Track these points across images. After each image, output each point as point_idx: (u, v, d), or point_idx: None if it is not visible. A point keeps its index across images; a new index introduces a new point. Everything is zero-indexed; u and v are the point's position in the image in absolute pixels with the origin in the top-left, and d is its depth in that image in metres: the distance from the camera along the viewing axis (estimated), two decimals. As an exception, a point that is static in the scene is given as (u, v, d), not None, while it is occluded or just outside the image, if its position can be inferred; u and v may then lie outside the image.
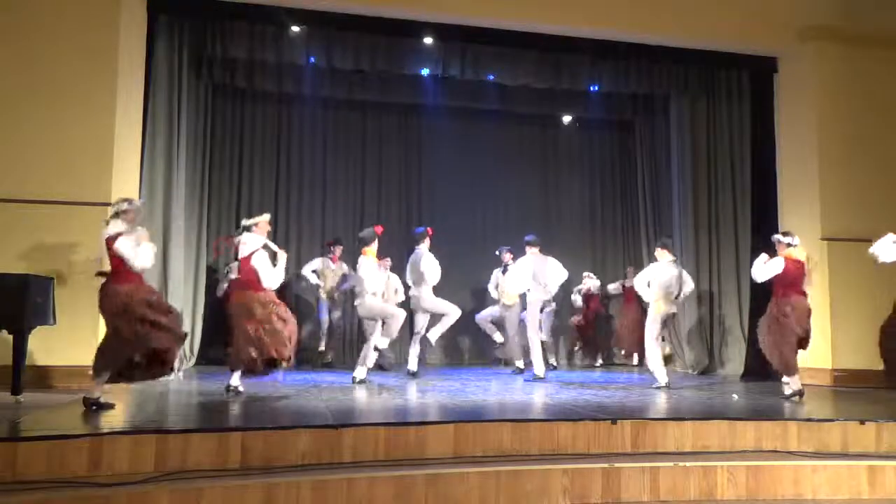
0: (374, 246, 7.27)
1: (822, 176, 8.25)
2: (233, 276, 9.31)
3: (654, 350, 7.28)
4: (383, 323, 7.29)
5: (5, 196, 6.46)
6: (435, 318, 7.95)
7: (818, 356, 7.93)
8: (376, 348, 7.26)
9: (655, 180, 10.64)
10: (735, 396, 6.48)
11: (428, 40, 8.31)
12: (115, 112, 6.79)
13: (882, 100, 8.39)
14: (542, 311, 8.36)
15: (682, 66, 9.04)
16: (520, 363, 8.76)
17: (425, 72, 8.92)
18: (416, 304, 7.93)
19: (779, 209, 8.77)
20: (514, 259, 8.84)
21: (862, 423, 5.03)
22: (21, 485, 3.66)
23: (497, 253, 9.30)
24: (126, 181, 7.02)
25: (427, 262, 7.82)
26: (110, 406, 5.10)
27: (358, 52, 8.35)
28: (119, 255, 5.10)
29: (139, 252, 5.14)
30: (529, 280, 7.93)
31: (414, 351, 8.06)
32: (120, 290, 5.03)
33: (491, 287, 9.42)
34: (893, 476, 4.63)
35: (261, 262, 5.95)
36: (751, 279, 8.81)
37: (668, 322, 7.64)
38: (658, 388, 7.04)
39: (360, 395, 6.28)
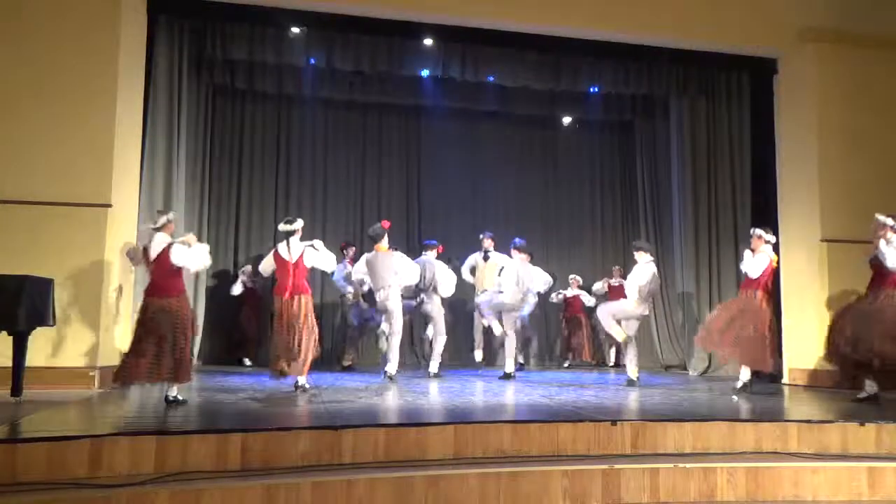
0: (385, 241, 7.47)
1: (821, 177, 8.25)
2: (244, 278, 9.41)
3: (616, 329, 7.52)
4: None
5: (5, 196, 6.46)
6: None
7: (818, 357, 7.92)
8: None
9: (655, 181, 10.65)
10: (735, 398, 6.47)
11: (428, 41, 8.33)
12: (115, 112, 6.79)
13: (882, 101, 8.39)
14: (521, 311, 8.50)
15: (681, 66, 9.06)
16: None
17: (425, 73, 8.94)
18: (424, 310, 8.06)
19: (778, 210, 8.76)
20: (495, 246, 8.92)
21: (862, 424, 5.03)
22: (21, 486, 3.66)
23: (480, 236, 9.20)
24: (126, 181, 7.03)
25: (444, 273, 7.97)
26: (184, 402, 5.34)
27: (358, 54, 8.36)
28: (177, 265, 5.37)
29: (195, 255, 5.48)
30: (513, 283, 8.00)
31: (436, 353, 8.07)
32: (182, 304, 5.38)
33: (465, 269, 9.19)
34: (893, 477, 4.62)
35: (315, 259, 6.28)
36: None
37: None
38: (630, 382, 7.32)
39: (360, 396, 6.27)
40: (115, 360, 6.72)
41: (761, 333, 6.58)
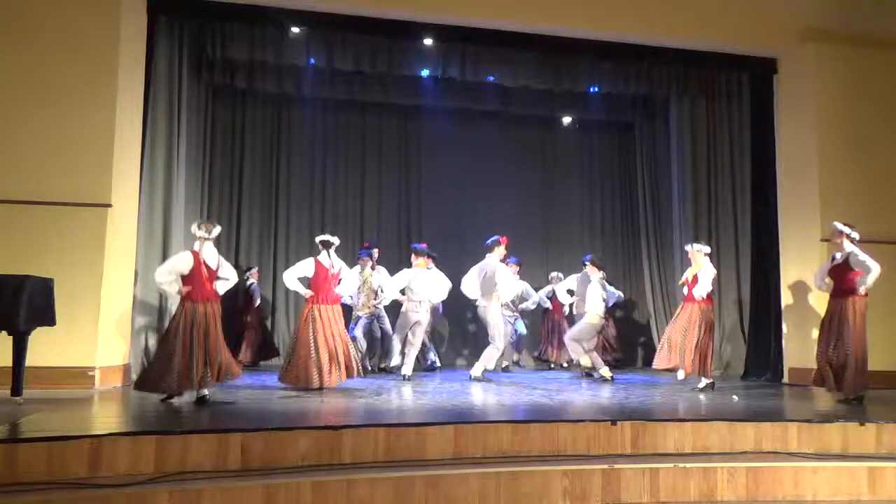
0: (425, 259, 8.19)
1: (821, 177, 8.24)
2: (251, 281, 9.44)
3: (577, 348, 8.16)
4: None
5: (5, 197, 6.47)
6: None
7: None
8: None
9: (655, 182, 10.65)
10: (735, 397, 6.48)
11: (428, 41, 8.30)
12: (115, 112, 6.80)
13: (882, 101, 8.38)
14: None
15: (681, 67, 9.03)
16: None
17: (425, 73, 8.92)
18: (483, 314, 7.93)
19: (778, 210, 8.76)
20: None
21: (862, 424, 5.03)
22: (21, 486, 3.66)
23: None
24: (126, 181, 7.03)
25: (503, 276, 7.85)
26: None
27: (358, 54, 8.34)
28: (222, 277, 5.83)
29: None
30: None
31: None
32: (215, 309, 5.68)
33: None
34: (893, 477, 4.63)
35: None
36: (751, 280, 8.93)
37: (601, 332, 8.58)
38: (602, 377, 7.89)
39: (360, 396, 6.28)
40: (116, 360, 6.77)
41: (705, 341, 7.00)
